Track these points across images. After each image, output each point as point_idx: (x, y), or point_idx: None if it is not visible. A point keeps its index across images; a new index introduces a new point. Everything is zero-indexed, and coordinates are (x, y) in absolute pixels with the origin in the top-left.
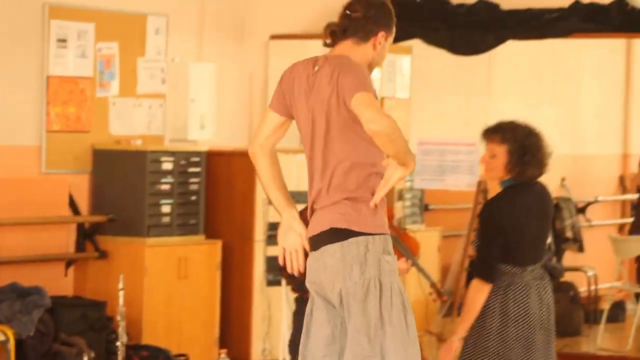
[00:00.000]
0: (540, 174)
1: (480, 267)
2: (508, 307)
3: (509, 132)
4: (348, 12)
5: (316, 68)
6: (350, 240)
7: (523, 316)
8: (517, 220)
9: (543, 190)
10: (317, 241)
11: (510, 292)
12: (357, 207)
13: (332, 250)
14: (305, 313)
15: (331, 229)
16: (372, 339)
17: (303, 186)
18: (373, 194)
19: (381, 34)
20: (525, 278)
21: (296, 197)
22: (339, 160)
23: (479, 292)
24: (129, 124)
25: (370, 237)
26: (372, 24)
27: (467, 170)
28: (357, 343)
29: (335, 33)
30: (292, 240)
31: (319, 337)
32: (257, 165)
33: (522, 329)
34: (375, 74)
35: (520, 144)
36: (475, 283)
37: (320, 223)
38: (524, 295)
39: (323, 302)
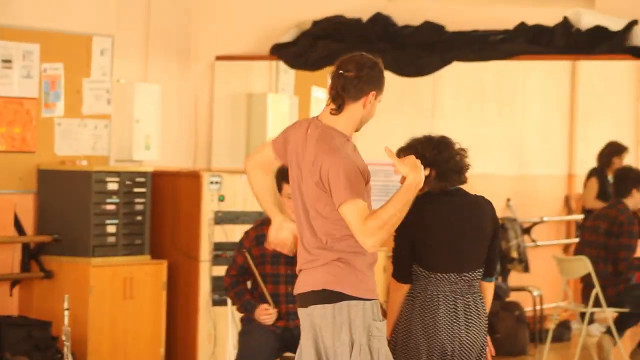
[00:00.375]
0: (445, 186)
1: (393, 267)
2: (414, 311)
3: (418, 147)
4: (341, 71)
5: (308, 131)
6: (342, 303)
7: (428, 324)
8: (425, 226)
9: (470, 203)
10: (307, 299)
11: (419, 297)
12: (349, 270)
13: (322, 311)
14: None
15: (323, 290)
16: None
17: (249, 206)
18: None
19: (372, 93)
20: (441, 287)
21: (241, 217)
22: (325, 230)
23: (394, 292)
24: (75, 144)
25: (361, 302)
26: (364, 84)
27: None
28: None
29: (337, 95)
30: (284, 234)
31: None
32: (250, 178)
33: (425, 337)
34: (321, 95)
35: (425, 158)
36: (391, 283)
37: (312, 282)
38: (432, 304)
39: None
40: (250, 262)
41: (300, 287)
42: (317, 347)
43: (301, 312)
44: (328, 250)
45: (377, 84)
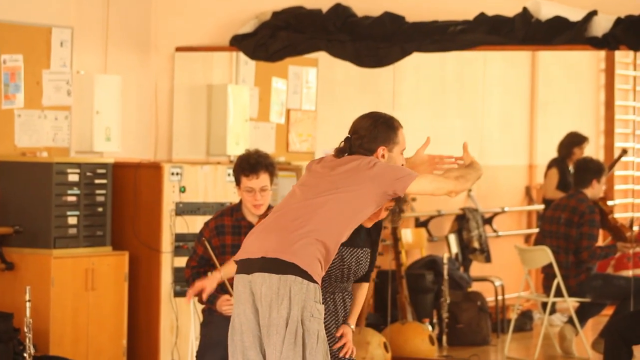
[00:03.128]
0: None
1: None
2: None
3: None
4: (349, 135)
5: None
6: (289, 276)
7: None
8: None
9: None
10: (252, 266)
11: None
12: (309, 252)
13: (268, 280)
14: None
15: (276, 259)
16: None
17: (210, 197)
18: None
19: (381, 148)
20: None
21: (202, 208)
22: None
23: None
24: (35, 136)
25: (306, 281)
26: (369, 143)
27: None
28: None
29: (341, 153)
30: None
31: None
32: None
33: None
34: (281, 87)
35: None
36: None
37: (264, 249)
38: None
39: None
40: (211, 251)
41: (247, 253)
42: (255, 315)
43: (240, 278)
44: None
45: (385, 139)
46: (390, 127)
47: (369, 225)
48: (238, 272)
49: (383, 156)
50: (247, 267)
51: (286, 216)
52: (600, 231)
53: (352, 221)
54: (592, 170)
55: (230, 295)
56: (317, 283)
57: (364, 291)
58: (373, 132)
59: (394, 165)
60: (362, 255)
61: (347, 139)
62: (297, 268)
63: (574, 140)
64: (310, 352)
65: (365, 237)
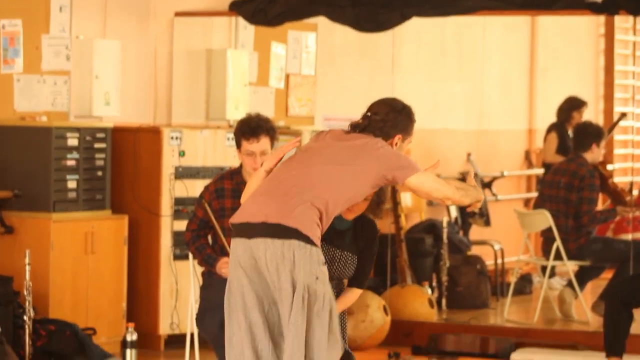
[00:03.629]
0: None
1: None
2: None
3: None
4: (369, 113)
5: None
6: (293, 241)
7: None
8: None
9: None
10: (253, 230)
11: None
12: (310, 216)
13: (272, 246)
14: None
15: (278, 224)
16: (299, 340)
17: (210, 161)
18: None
19: (398, 137)
20: None
21: (201, 172)
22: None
23: None
24: (34, 100)
25: (309, 245)
26: (389, 128)
27: None
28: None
29: (355, 129)
30: None
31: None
32: None
33: None
34: (280, 51)
35: None
36: None
37: (264, 214)
38: None
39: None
40: (210, 214)
41: (245, 216)
42: (258, 277)
43: (240, 242)
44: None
45: (404, 129)
46: (411, 119)
47: (349, 217)
48: (236, 235)
49: (396, 144)
50: (247, 231)
51: (286, 182)
52: (600, 195)
53: (348, 195)
54: (591, 134)
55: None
56: (318, 246)
57: (352, 296)
58: (397, 118)
59: (402, 153)
60: (340, 256)
61: (366, 117)
62: (299, 233)
63: (572, 105)
64: (317, 314)
65: (350, 242)
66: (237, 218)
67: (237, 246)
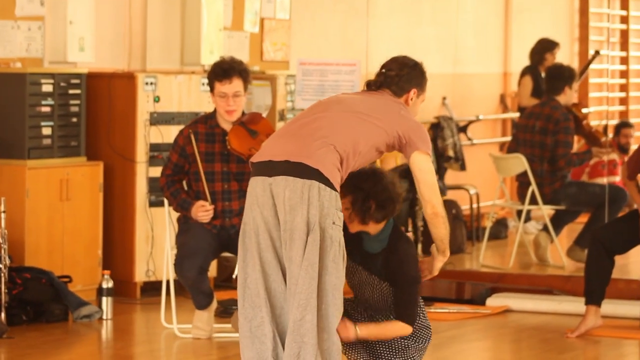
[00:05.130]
0: (386, 215)
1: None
2: None
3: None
4: (384, 70)
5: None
6: (314, 182)
7: None
8: None
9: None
10: (274, 168)
11: None
12: (333, 161)
13: (293, 184)
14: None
15: (300, 163)
16: (314, 281)
17: (185, 107)
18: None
19: (413, 91)
20: None
21: (177, 118)
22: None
23: None
24: (8, 46)
25: (329, 189)
26: (404, 82)
27: (348, 90)
28: (301, 285)
29: (371, 87)
30: None
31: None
32: None
33: None
34: None
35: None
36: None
37: (287, 153)
38: None
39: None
40: (195, 146)
41: (268, 155)
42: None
43: (259, 181)
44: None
45: (419, 83)
46: (424, 75)
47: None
48: (256, 174)
49: (411, 99)
50: (269, 169)
51: (309, 125)
52: (575, 137)
53: (366, 147)
54: (563, 76)
55: (207, 200)
56: (337, 191)
57: (393, 327)
58: (411, 73)
59: (424, 128)
60: (367, 279)
61: (381, 74)
62: (320, 174)
63: (545, 47)
64: (333, 260)
65: (381, 267)
66: (258, 157)
67: (257, 185)
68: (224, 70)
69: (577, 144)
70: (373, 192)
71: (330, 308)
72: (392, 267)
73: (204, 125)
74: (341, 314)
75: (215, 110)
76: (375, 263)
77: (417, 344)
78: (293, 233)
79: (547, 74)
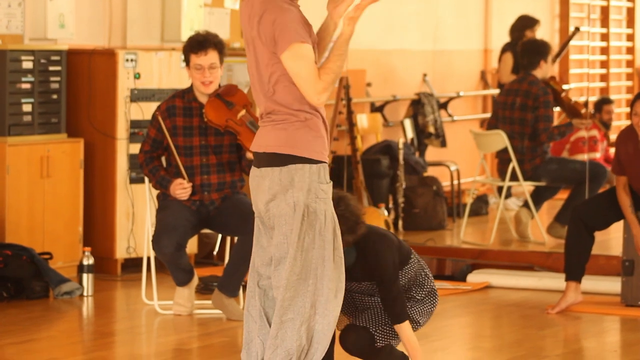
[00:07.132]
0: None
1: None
2: None
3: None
4: None
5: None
6: (290, 166)
7: None
8: None
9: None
10: (260, 160)
11: None
12: (305, 130)
13: (271, 173)
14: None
15: (274, 153)
16: (302, 260)
17: (165, 84)
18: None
19: None
20: None
21: (157, 94)
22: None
23: None
24: None
25: (307, 165)
26: None
27: None
28: (290, 264)
29: None
30: None
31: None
32: None
33: None
34: None
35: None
36: None
37: (265, 144)
38: None
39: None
40: (164, 128)
41: (255, 146)
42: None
43: (253, 171)
44: (284, 113)
45: None
46: None
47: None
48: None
49: None
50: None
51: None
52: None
53: (266, 74)
54: (538, 51)
55: (184, 178)
56: (318, 162)
57: (403, 331)
58: None
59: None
60: (357, 287)
61: None
62: (294, 157)
63: (525, 24)
64: (319, 232)
65: (363, 273)
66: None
67: (252, 177)
68: (199, 42)
69: (558, 118)
70: (344, 218)
71: (319, 282)
72: (370, 265)
73: (181, 100)
74: (337, 285)
75: (192, 85)
76: (356, 273)
77: (423, 306)
78: (280, 219)
79: (522, 50)
